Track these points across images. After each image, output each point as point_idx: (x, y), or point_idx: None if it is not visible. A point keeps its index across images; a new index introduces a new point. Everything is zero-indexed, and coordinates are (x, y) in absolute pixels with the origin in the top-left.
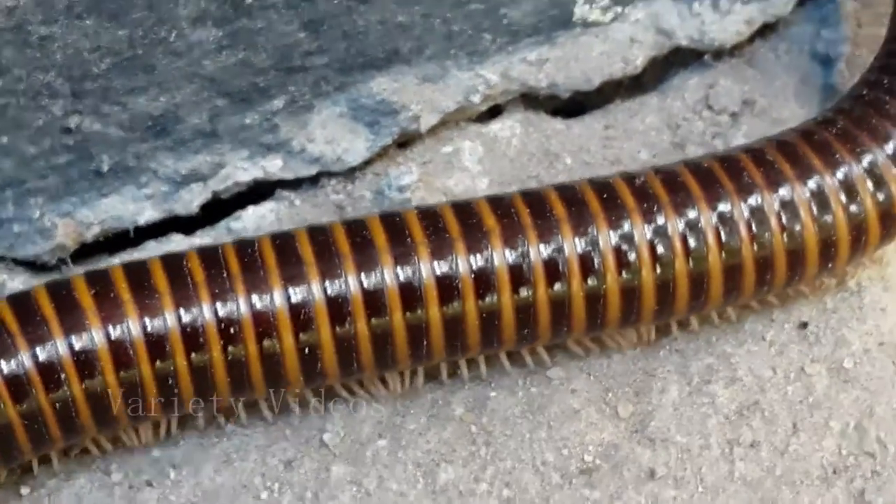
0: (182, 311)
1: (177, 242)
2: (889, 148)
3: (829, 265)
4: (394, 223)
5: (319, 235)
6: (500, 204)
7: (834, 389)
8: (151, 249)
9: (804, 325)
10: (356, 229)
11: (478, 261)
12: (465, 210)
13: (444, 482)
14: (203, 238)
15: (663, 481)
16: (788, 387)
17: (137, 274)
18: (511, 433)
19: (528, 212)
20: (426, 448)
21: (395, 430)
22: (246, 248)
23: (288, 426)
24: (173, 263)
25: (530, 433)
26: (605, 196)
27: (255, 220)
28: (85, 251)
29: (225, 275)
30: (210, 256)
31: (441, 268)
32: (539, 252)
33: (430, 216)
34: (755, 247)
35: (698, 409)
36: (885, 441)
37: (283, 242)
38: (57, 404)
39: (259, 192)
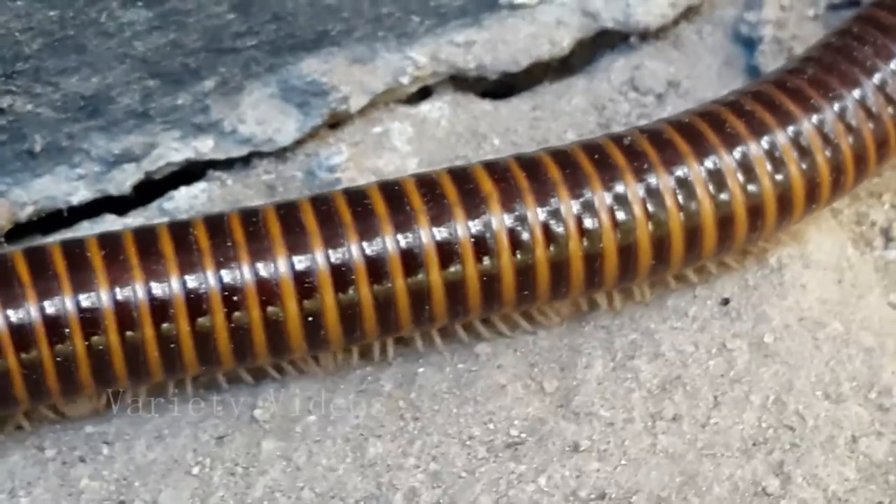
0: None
1: (110, 222)
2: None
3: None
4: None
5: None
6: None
7: (754, 364)
8: (85, 229)
9: (726, 302)
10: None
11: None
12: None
13: (373, 456)
14: (136, 218)
15: (587, 454)
16: (710, 361)
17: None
18: (438, 408)
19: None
20: (355, 423)
21: (325, 405)
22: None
23: (219, 402)
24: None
25: (457, 408)
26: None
27: (187, 200)
28: (18, 231)
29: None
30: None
31: (441, 234)
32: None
33: (427, 183)
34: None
35: (622, 383)
36: (803, 414)
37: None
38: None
39: (191, 172)
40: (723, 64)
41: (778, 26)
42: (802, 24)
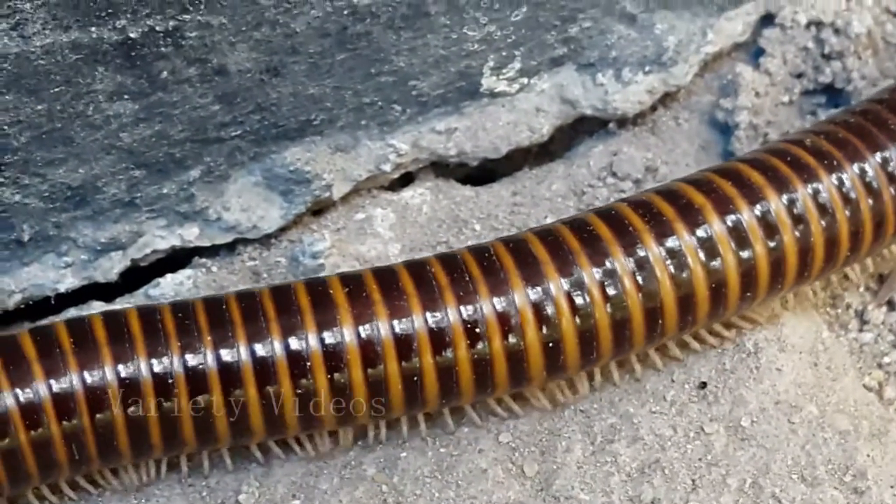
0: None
1: (96, 310)
2: None
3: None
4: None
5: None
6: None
7: (732, 447)
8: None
9: (703, 385)
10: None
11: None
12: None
13: None
14: (122, 305)
15: None
16: (688, 445)
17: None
18: (420, 492)
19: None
20: None
21: (309, 490)
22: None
23: (205, 487)
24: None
25: (439, 492)
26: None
27: (173, 286)
28: (6, 318)
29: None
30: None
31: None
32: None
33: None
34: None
35: (601, 467)
36: (779, 497)
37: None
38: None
39: (177, 258)
40: (699, 149)
41: (753, 112)
42: (777, 109)
